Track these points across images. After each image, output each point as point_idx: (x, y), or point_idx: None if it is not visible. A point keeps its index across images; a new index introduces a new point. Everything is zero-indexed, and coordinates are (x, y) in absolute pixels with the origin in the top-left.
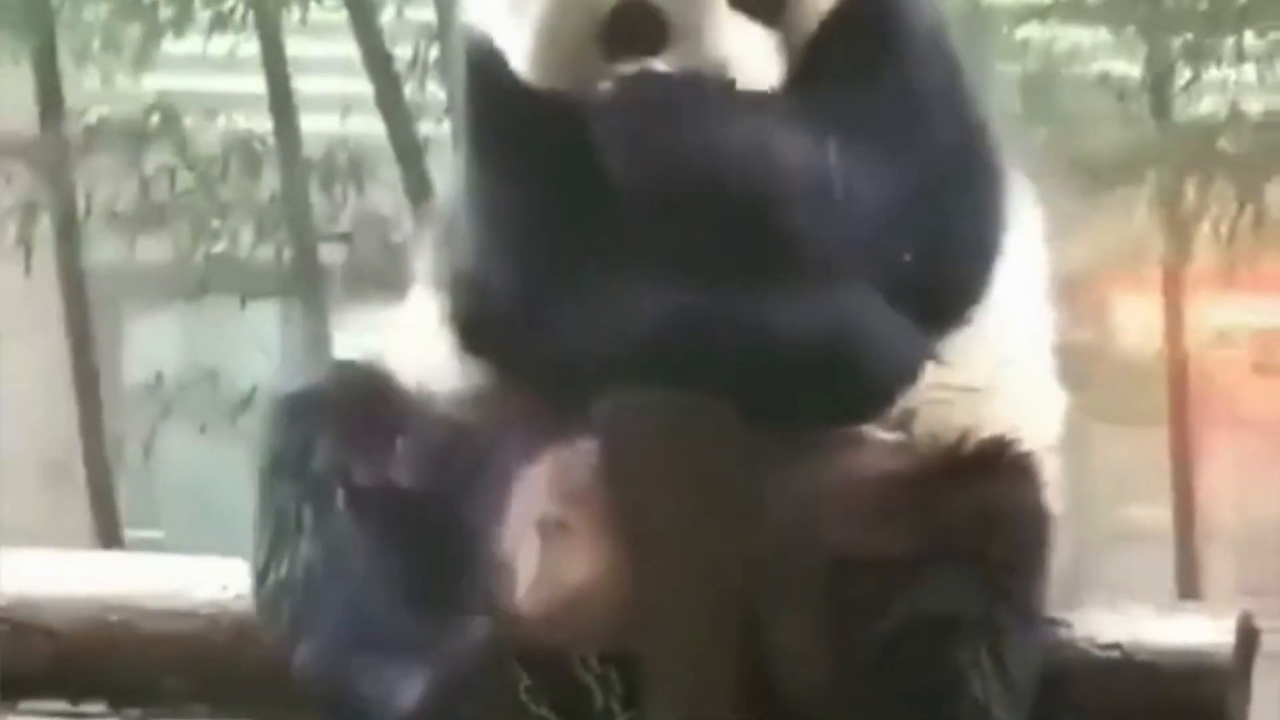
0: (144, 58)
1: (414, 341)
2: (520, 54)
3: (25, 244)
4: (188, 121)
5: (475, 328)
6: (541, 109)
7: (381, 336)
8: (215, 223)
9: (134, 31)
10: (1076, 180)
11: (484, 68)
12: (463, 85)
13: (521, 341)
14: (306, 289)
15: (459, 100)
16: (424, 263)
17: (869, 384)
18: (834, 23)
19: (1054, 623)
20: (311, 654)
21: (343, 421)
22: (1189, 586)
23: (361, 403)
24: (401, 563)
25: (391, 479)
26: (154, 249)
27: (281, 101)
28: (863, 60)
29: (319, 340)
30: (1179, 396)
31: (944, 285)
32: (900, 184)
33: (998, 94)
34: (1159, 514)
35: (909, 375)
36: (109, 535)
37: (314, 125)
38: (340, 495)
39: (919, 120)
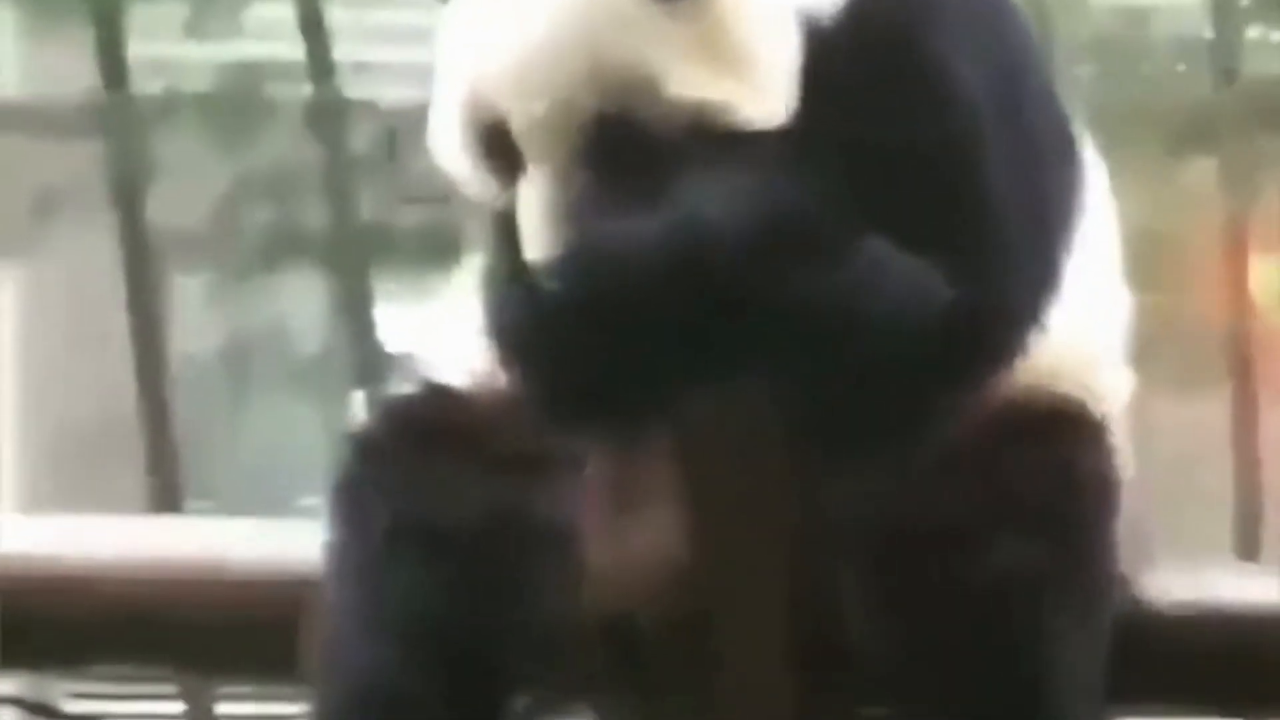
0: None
1: (465, 344)
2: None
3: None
4: (268, 89)
5: (502, 349)
6: None
7: (438, 332)
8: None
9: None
10: (1144, 140)
11: None
12: None
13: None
14: (360, 256)
15: None
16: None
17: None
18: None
19: (1127, 581)
20: (320, 718)
21: (398, 460)
22: (1249, 548)
23: (416, 439)
24: (435, 620)
25: (439, 521)
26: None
27: (319, 66)
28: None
29: (364, 311)
30: (1242, 358)
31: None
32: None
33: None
34: (1219, 476)
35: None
36: (167, 504)
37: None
38: (388, 538)
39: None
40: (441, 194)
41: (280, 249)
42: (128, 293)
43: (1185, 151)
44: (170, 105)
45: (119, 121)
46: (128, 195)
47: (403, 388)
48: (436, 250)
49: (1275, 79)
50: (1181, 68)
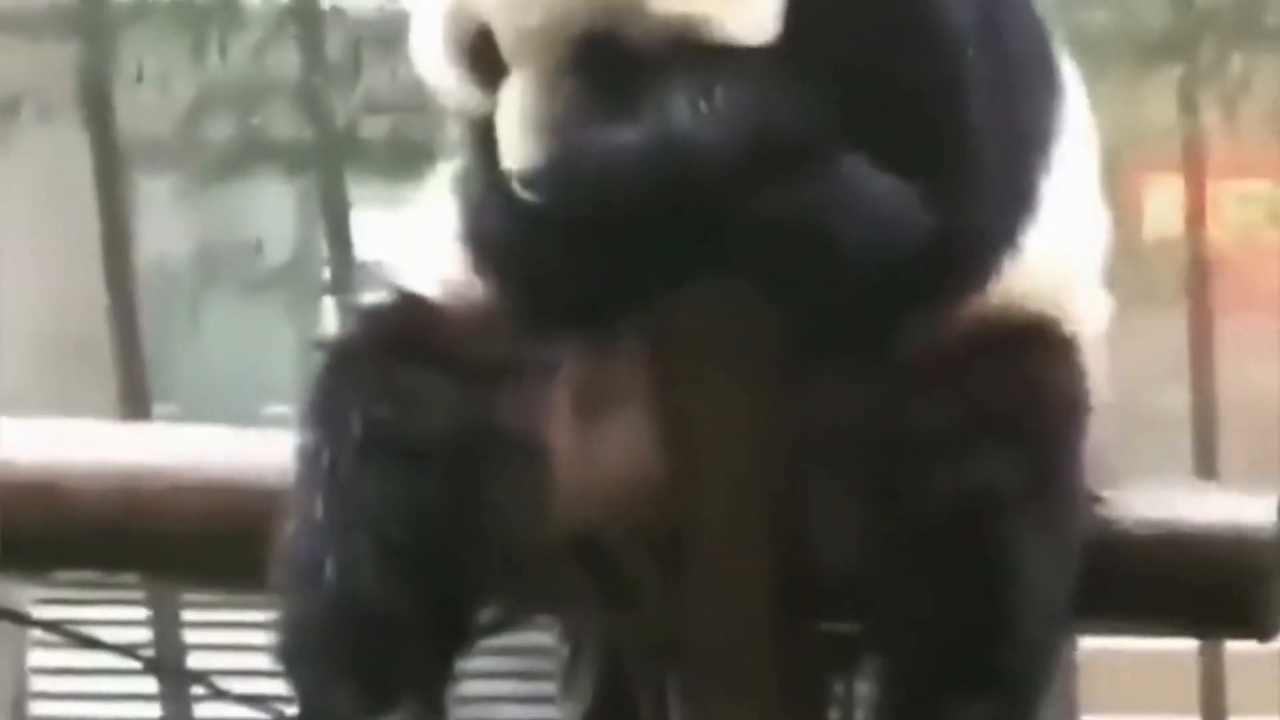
0: None
1: (439, 253)
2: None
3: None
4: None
5: (479, 250)
6: None
7: (411, 240)
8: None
9: None
10: (1104, 62)
11: None
12: None
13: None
14: (334, 164)
15: None
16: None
17: (849, 254)
18: None
19: (1096, 500)
20: (288, 627)
21: (371, 369)
22: (1207, 467)
23: (390, 348)
24: (405, 529)
25: (411, 431)
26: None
27: None
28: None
29: (340, 218)
30: (1200, 279)
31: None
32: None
33: None
34: (1177, 397)
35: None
36: (137, 409)
37: None
38: (360, 445)
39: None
40: (406, 103)
41: (253, 156)
42: (98, 197)
43: (1144, 74)
44: (142, 10)
45: (91, 25)
46: (99, 99)
47: (377, 296)
48: (410, 158)
49: (1232, 2)
50: None
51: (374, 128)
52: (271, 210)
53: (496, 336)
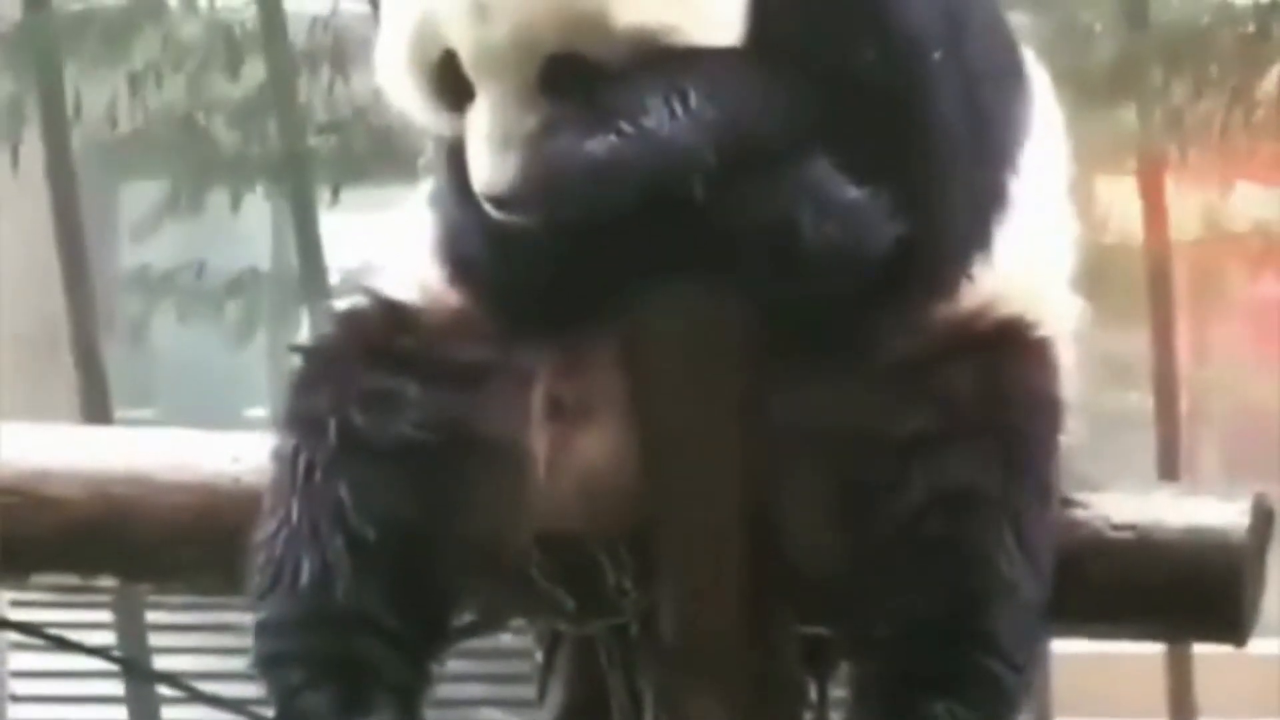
0: None
1: (416, 259)
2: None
3: (12, 137)
4: (173, 4)
5: (454, 266)
6: None
7: (389, 249)
8: (200, 116)
9: None
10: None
11: None
12: None
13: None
14: (294, 180)
15: None
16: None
17: (815, 252)
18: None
19: (1069, 503)
20: (265, 631)
21: (349, 373)
22: (1169, 470)
23: (368, 352)
24: (381, 532)
25: (388, 434)
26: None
27: None
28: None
29: (308, 232)
30: (1161, 283)
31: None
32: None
33: None
34: (1140, 399)
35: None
36: (98, 413)
37: (297, 6)
38: (336, 448)
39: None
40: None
41: (224, 164)
42: (52, 204)
43: (1105, 93)
44: (88, 19)
45: (41, 36)
46: (53, 109)
47: (354, 301)
48: (385, 167)
49: (1183, 22)
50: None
51: (353, 137)
52: (247, 215)
53: (473, 341)
